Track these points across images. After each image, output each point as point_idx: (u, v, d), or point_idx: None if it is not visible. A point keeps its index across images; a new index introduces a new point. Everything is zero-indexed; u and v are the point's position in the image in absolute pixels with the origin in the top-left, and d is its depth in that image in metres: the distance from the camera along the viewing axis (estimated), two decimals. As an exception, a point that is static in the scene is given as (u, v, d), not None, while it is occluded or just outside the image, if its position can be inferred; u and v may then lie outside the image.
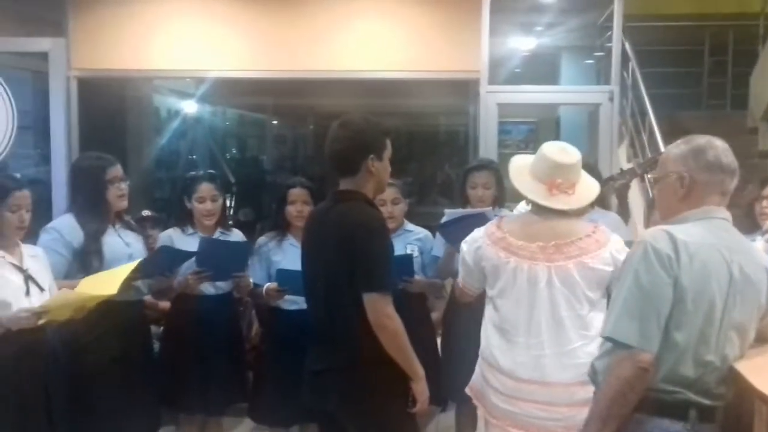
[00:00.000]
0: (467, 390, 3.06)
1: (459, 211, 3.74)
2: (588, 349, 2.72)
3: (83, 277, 3.34)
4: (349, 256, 2.63)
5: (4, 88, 4.45)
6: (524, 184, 2.89)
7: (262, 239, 3.90)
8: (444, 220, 3.69)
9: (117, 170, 3.56)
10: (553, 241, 2.77)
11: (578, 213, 3.45)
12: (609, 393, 2.12)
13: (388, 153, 2.80)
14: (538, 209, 2.86)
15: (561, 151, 2.86)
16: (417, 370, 2.71)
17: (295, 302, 3.56)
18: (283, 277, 3.58)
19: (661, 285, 2.07)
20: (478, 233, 2.96)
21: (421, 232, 3.94)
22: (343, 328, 2.71)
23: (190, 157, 10.12)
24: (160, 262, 3.59)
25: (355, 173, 2.75)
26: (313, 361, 2.83)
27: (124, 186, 3.58)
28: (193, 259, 3.63)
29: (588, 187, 2.89)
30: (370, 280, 2.62)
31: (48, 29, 5.25)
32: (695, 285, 2.09)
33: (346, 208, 2.73)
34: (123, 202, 3.60)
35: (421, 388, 2.72)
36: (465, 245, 3.00)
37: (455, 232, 3.44)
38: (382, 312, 2.61)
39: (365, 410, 2.69)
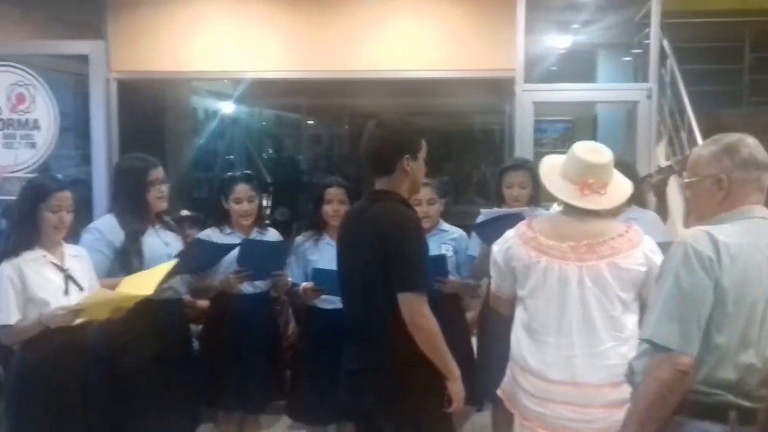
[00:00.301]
0: (499, 392, 3.05)
1: (495, 211, 3.73)
2: (620, 350, 2.70)
3: (124, 276, 3.40)
4: (384, 256, 2.64)
5: (47, 91, 4.54)
6: (555, 184, 2.88)
7: (299, 238, 3.93)
8: (479, 219, 3.68)
9: (158, 172, 3.61)
10: (584, 240, 2.75)
11: (614, 212, 3.42)
12: (648, 395, 2.10)
13: (423, 153, 2.81)
14: (570, 209, 2.84)
15: (593, 151, 2.84)
16: (452, 369, 2.71)
17: (331, 301, 3.58)
18: (320, 276, 3.61)
19: (701, 287, 2.05)
20: (509, 233, 2.95)
21: (456, 231, 3.94)
22: (379, 328, 2.72)
23: (227, 157, 10.20)
24: (196, 256, 3.62)
25: (391, 173, 2.76)
26: (349, 360, 2.85)
27: (164, 188, 3.63)
28: (233, 257, 3.68)
29: (620, 187, 2.85)
30: (405, 280, 2.63)
31: (88, 32, 5.33)
32: (736, 287, 2.06)
33: (381, 208, 2.74)
34: (162, 204, 3.65)
35: (456, 388, 2.72)
36: (496, 246, 2.99)
37: (491, 231, 3.43)
38: (417, 312, 2.62)
39: (401, 409, 2.70)
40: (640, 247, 2.75)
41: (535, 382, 2.82)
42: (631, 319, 2.74)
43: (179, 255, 3.50)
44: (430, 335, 2.64)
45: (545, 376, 2.79)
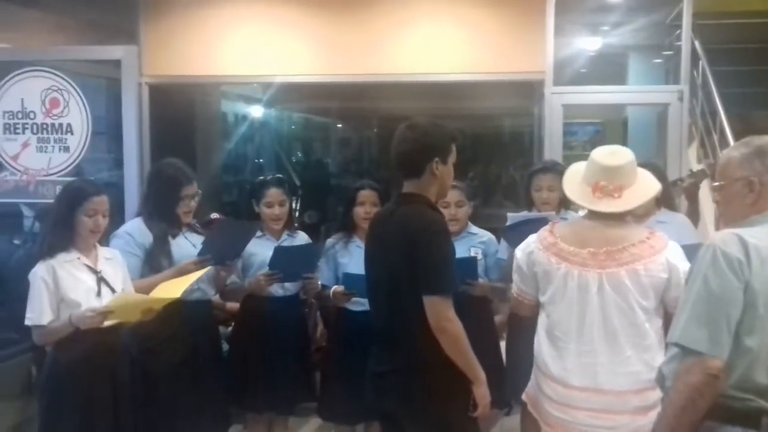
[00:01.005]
0: (523, 396, 3.03)
1: (522, 215, 3.73)
2: (643, 357, 2.68)
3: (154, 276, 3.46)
4: (411, 259, 2.64)
5: (81, 96, 4.61)
6: (572, 187, 2.88)
7: (329, 241, 3.95)
8: (508, 223, 3.68)
9: (192, 189, 3.65)
10: (604, 247, 2.73)
11: (642, 215, 3.39)
12: (678, 401, 2.08)
13: (452, 158, 2.81)
14: (591, 214, 2.83)
15: (608, 154, 2.82)
16: (478, 373, 2.70)
17: (361, 303, 3.60)
18: (350, 280, 3.63)
19: (731, 290, 2.03)
20: (531, 238, 2.95)
21: (485, 235, 3.93)
22: (404, 330, 2.73)
23: (256, 161, 10.27)
24: (222, 241, 3.63)
25: (419, 175, 2.77)
26: (375, 362, 2.86)
27: (193, 203, 3.67)
28: (264, 260, 3.72)
29: (638, 191, 2.80)
30: (431, 283, 2.63)
31: (121, 37, 5.40)
32: (767, 289, 2.03)
33: (408, 211, 2.75)
34: (189, 217, 3.71)
35: (482, 392, 2.72)
36: (519, 251, 2.98)
37: (518, 235, 3.42)
38: (443, 315, 2.62)
39: (425, 412, 2.70)
40: (662, 253, 2.72)
41: (556, 388, 2.81)
42: (654, 326, 2.72)
43: (205, 243, 3.54)
44: (456, 339, 2.64)
45: (567, 383, 2.78)
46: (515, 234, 3.53)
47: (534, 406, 2.96)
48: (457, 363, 2.66)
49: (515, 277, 3.02)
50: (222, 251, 3.60)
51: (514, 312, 3.15)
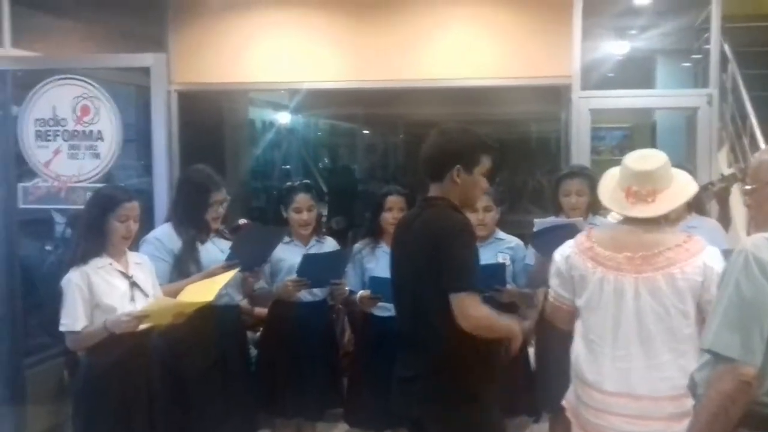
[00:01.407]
0: (564, 403, 3.01)
1: (549, 221, 3.71)
2: (679, 362, 2.65)
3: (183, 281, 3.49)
4: (434, 260, 2.64)
5: (111, 103, 4.66)
6: (606, 193, 2.87)
7: (356, 246, 3.96)
8: (535, 230, 3.66)
9: (221, 194, 3.69)
10: (641, 252, 2.71)
11: (674, 220, 3.36)
12: (710, 407, 2.06)
13: (481, 169, 2.78)
14: (627, 219, 2.81)
15: (640, 159, 2.80)
16: (512, 329, 2.77)
17: (387, 309, 3.59)
18: (376, 284, 3.63)
19: (764, 295, 2.00)
20: (569, 243, 2.93)
21: (513, 240, 3.92)
22: (429, 335, 2.73)
23: (284, 167, 10.33)
24: (249, 246, 3.66)
25: (440, 179, 2.78)
26: (400, 367, 2.86)
27: (222, 210, 3.71)
28: (292, 266, 3.74)
29: (672, 195, 2.77)
30: (457, 280, 2.62)
31: (150, 45, 5.46)
32: (801, 295, 2.00)
33: (431, 214, 2.76)
34: (217, 224, 3.74)
35: (516, 344, 2.80)
36: (558, 255, 2.96)
37: (546, 242, 3.41)
38: (473, 312, 2.61)
39: (451, 418, 2.69)
40: (699, 256, 2.69)
41: (592, 393, 2.79)
42: (691, 331, 2.69)
43: (233, 248, 3.57)
44: (490, 329, 2.67)
45: (601, 388, 2.76)
46: (543, 240, 3.51)
47: (572, 413, 2.94)
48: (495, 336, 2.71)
49: (553, 281, 2.99)
50: (249, 256, 3.62)
51: (551, 321, 3.11)
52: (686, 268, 2.67)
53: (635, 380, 2.70)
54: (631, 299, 2.71)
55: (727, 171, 5.17)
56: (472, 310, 2.61)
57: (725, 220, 4.12)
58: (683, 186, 2.84)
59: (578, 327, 2.89)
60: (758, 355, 1.99)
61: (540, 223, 3.67)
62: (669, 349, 2.68)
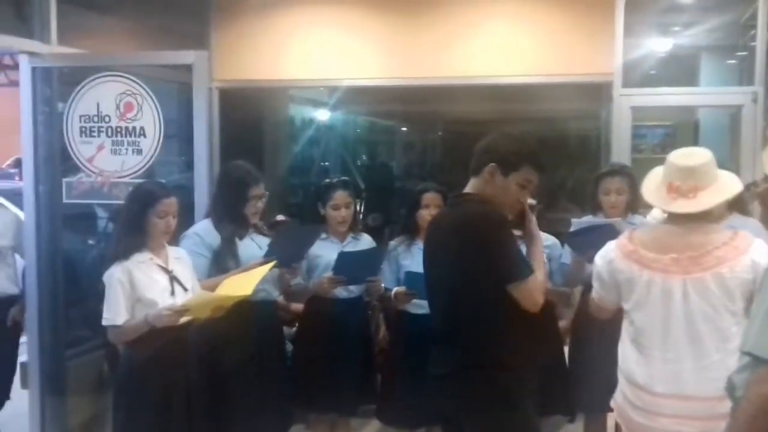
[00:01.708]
0: (612, 403, 2.99)
1: (586, 221, 3.68)
2: (728, 362, 2.60)
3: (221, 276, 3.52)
4: (472, 256, 2.64)
5: (153, 100, 4.73)
6: (649, 188, 2.85)
7: (392, 243, 3.97)
8: (572, 229, 3.63)
9: (259, 189, 3.72)
10: (687, 252, 2.68)
11: (716, 218, 3.31)
12: (750, 411, 2.02)
13: (518, 177, 2.75)
14: (670, 219, 2.79)
15: (684, 155, 2.79)
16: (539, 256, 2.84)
17: (422, 306, 3.59)
18: (412, 280, 3.63)
19: (805, 298, 1.97)
20: (610, 246, 2.90)
21: (549, 239, 3.89)
22: (463, 332, 2.73)
23: (322, 164, 10.37)
24: (288, 242, 3.70)
25: (477, 173, 2.78)
26: (434, 364, 2.85)
27: (260, 204, 3.75)
28: (329, 263, 3.77)
29: (714, 193, 2.74)
30: (513, 271, 2.63)
31: (192, 42, 5.52)
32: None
33: (463, 210, 2.77)
34: (255, 218, 3.78)
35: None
36: (599, 259, 2.94)
37: (583, 242, 3.38)
38: (536, 295, 2.65)
39: (486, 416, 2.68)
40: (747, 254, 2.66)
41: (641, 395, 2.78)
42: (737, 329, 2.65)
43: (271, 245, 3.60)
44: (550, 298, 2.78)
45: (652, 390, 2.75)
46: (579, 240, 3.49)
47: (620, 415, 2.93)
48: None
49: (595, 284, 2.99)
50: (287, 253, 3.65)
51: (592, 315, 3.10)
52: (736, 266, 2.65)
53: (686, 381, 2.69)
54: (679, 301, 2.69)
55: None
56: (537, 294, 2.65)
57: (767, 220, 4.05)
58: (726, 184, 2.80)
59: (626, 329, 2.88)
60: (799, 358, 1.96)
61: (577, 223, 3.65)
62: (718, 349, 2.66)
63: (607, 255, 2.89)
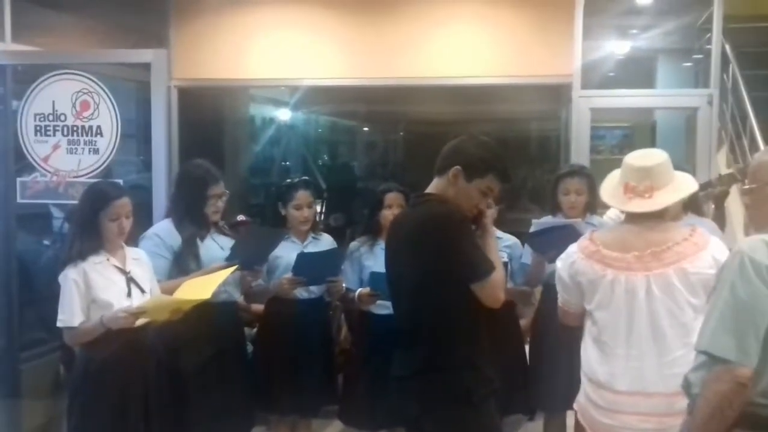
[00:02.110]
0: (575, 406, 3.01)
1: (547, 222, 3.72)
2: (690, 356, 2.64)
3: (182, 278, 3.48)
4: (433, 257, 2.64)
5: (110, 98, 4.66)
6: (607, 189, 2.89)
7: (354, 244, 3.97)
8: (532, 230, 3.66)
9: (219, 188, 3.69)
10: (648, 249, 2.72)
11: (671, 218, 3.36)
12: (706, 409, 2.06)
13: (480, 183, 2.76)
14: (629, 218, 2.83)
15: (639, 156, 2.84)
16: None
17: (385, 307, 3.60)
18: (376, 280, 3.63)
19: (759, 297, 2.00)
20: (571, 248, 2.93)
21: (510, 239, 3.92)
22: (425, 333, 2.73)
23: (283, 163, 10.33)
24: (250, 245, 3.68)
25: (441, 173, 2.79)
26: (397, 366, 2.85)
27: (221, 203, 3.72)
28: (289, 263, 3.74)
29: (670, 192, 2.78)
30: (475, 270, 2.64)
31: (150, 40, 5.46)
32: (796, 296, 2.01)
33: (423, 210, 2.78)
34: (217, 217, 3.74)
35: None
36: (560, 262, 2.96)
37: (544, 242, 3.41)
38: (497, 292, 2.67)
39: (447, 416, 2.69)
40: (707, 249, 2.71)
41: (604, 394, 2.80)
42: (699, 324, 2.69)
43: (234, 247, 3.57)
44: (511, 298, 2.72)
45: (614, 388, 2.77)
46: (540, 240, 3.52)
47: (583, 416, 2.95)
48: None
49: (558, 288, 3.00)
50: (249, 256, 3.63)
51: (563, 322, 3.12)
52: (696, 261, 2.69)
53: (648, 378, 2.72)
54: (643, 298, 2.72)
55: (726, 171, 5.17)
56: (498, 290, 2.66)
57: (721, 220, 4.13)
58: (682, 184, 2.85)
59: (588, 329, 2.90)
60: (753, 356, 2.00)
61: (537, 223, 3.68)
62: (682, 344, 2.69)
63: (569, 258, 2.92)
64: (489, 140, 2.85)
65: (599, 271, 2.79)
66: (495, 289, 2.66)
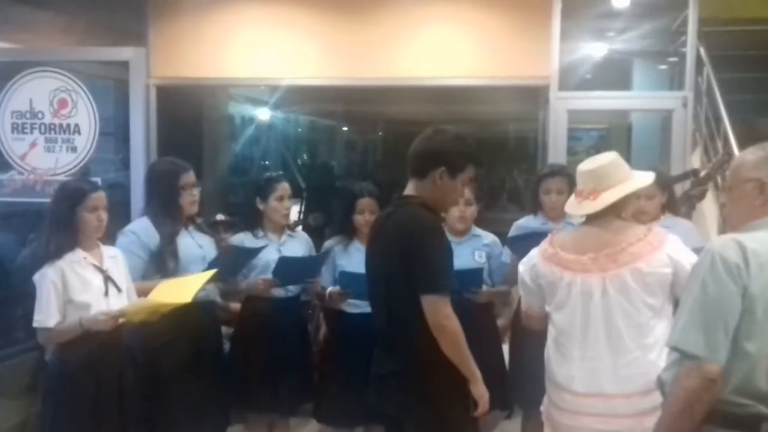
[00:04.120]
0: (541, 408, 3.04)
1: (528, 226, 3.78)
2: (648, 357, 2.69)
3: (160, 277, 3.46)
4: (406, 259, 2.66)
5: (88, 96, 4.64)
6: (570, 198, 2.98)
7: (328, 243, 3.98)
8: (512, 234, 3.71)
9: (190, 177, 3.67)
10: (604, 250, 2.75)
11: (647, 221, 3.41)
12: (676, 405, 2.10)
13: (464, 176, 2.80)
14: (586, 220, 2.87)
15: (587, 161, 2.89)
16: (474, 371, 2.71)
17: (358, 306, 3.62)
18: (346, 279, 3.65)
19: (728, 295, 2.04)
20: (533, 252, 2.97)
21: (489, 237, 3.95)
22: (404, 333, 2.75)
23: (262, 162, 10.32)
24: (232, 262, 3.70)
25: (422, 177, 2.79)
26: (375, 364, 2.87)
27: (195, 192, 3.69)
28: (267, 263, 3.75)
29: (616, 192, 2.78)
30: (428, 282, 2.64)
31: (129, 39, 5.44)
32: (766, 294, 2.05)
33: (403, 212, 2.79)
34: (194, 208, 3.71)
35: (480, 391, 2.73)
36: (522, 266, 3.01)
37: (523, 245, 3.45)
38: (441, 313, 2.63)
39: (426, 414, 2.71)
40: (663, 249, 2.73)
41: (563, 395, 2.83)
42: (660, 325, 2.72)
43: (214, 261, 3.56)
44: (454, 337, 2.65)
45: (572, 390, 2.80)
46: (520, 244, 3.57)
47: (547, 418, 2.98)
48: (454, 360, 2.67)
49: (521, 292, 3.05)
50: (229, 270, 3.68)
51: (526, 326, 3.15)
52: (652, 261, 2.71)
53: (605, 380, 2.74)
54: (599, 299, 2.74)
55: (702, 172, 5.24)
56: (441, 313, 2.63)
57: (688, 218, 4.18)
58: (634, 182, 2.85)
59: (550, 331, 2.93)
60: (722, 353, 2.03)
61: (518, 226, 3.73)
62: (638, 345, 2.71)
63: (530, 261, 2.96)
64: (457, 131, 2.85)
65: (557, 274, 2.82)
66: (438, 312, 2.62)
